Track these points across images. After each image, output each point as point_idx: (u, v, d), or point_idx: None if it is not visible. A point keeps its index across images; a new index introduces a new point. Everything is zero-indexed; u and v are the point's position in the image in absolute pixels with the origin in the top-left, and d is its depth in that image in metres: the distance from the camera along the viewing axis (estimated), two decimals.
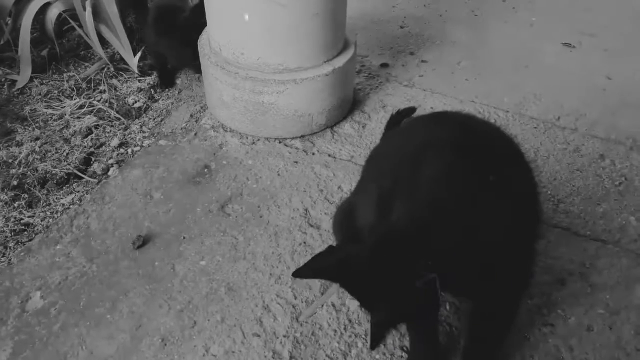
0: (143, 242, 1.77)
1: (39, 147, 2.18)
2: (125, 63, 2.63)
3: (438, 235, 1.11)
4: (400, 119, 2.16)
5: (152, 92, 2.52)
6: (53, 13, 2.63)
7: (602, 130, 2.28)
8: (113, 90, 2.51)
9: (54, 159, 2.11)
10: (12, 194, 1.96)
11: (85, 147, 2.18)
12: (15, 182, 2.00)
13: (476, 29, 3.04)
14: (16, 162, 2.09)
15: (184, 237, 1.80)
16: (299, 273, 1.13)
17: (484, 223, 1.15)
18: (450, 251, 1.11)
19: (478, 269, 1.14)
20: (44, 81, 2.56)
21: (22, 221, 1.87)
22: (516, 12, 3.23)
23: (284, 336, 1.52)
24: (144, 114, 2.39)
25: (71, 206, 1.93)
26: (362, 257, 1.11)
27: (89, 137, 2.24)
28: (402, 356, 1.46)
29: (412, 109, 2.05)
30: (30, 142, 2.20)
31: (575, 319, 1.56)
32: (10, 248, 1.78)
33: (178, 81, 2.59)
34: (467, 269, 1.14)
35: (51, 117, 2.35)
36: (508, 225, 1.18)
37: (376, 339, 1.09)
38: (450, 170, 1.23)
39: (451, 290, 1.39)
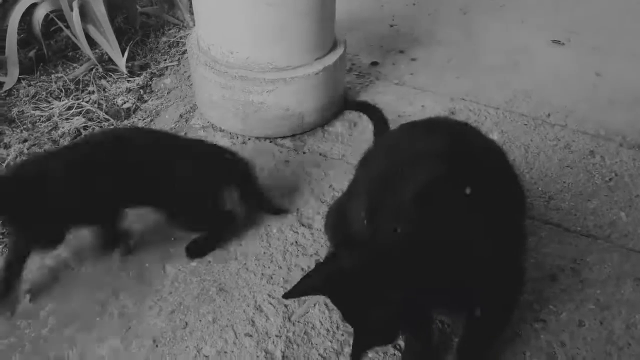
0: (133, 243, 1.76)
1: (27, 149, 2.16)
2: (114, 64, 2.61)
3: (423, 253, 1.12)
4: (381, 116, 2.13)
5: (141, 92, 2.50)
6: (40, 14, 2.61)
7: (592, 126, 2.29)
8: (102, 91, 2.49)
9: None
10: None
11: None
12: None
13: (465, 27, 3.05)
14: (4, 164, 2.07)
15: (173, 238, 1.78)
16: (290, 294, 1.14)
17: (469, 239, 1.16)
18: (437, 268, 1.11)
19: (466, 286, 1.15)
20: (31, 82, 2.54)
21: None
22: (505, 10, 3.24)
23: (277, 336, 1.51)
24: (133, 115, 2.37)
25: None
26: (347, 276, 1.11)
27: (78, 138, 2.22)
28: (395, 354, 1.46)
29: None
30: (19, 144, 2.18)
31: (566, 314, 1.57)
32: None
33: (167, 81, 2.58)
34: (455, 286, 1.14)
35: (39, 119, 2.33)
36: (494, 241, 1.19)
37: (356, 356, 1.10)
38: (436, 184, 1.23)
39: (442, 308, 1.40)
